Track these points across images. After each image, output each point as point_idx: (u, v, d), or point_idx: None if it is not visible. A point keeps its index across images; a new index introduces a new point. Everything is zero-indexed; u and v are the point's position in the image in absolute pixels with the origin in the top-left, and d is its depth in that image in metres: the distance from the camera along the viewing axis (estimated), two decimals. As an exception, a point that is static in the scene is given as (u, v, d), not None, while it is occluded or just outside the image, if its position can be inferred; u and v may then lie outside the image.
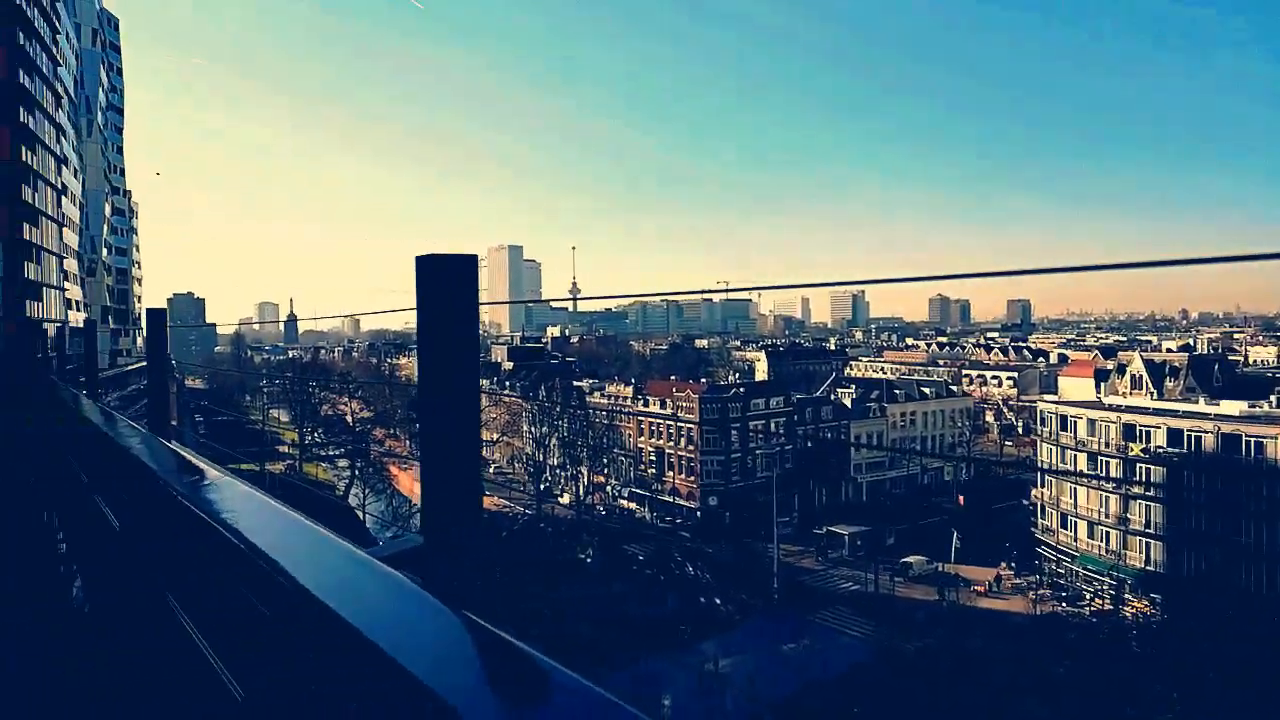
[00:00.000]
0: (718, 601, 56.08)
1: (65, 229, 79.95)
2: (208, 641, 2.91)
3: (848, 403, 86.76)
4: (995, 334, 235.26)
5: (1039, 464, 69.85)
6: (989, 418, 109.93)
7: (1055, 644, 48.06)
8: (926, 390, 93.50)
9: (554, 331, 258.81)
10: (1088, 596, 58.99)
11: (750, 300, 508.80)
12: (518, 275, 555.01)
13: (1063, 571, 62.47)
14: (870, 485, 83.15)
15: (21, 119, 63.56)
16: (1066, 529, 63.63)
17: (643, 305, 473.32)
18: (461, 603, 1.69)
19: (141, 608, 4.50)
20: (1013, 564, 63.52)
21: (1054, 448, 66.11)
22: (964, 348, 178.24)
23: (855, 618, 54.70)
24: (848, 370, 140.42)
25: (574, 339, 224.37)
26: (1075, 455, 63.63)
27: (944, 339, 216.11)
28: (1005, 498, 77.00)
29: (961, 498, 78.32)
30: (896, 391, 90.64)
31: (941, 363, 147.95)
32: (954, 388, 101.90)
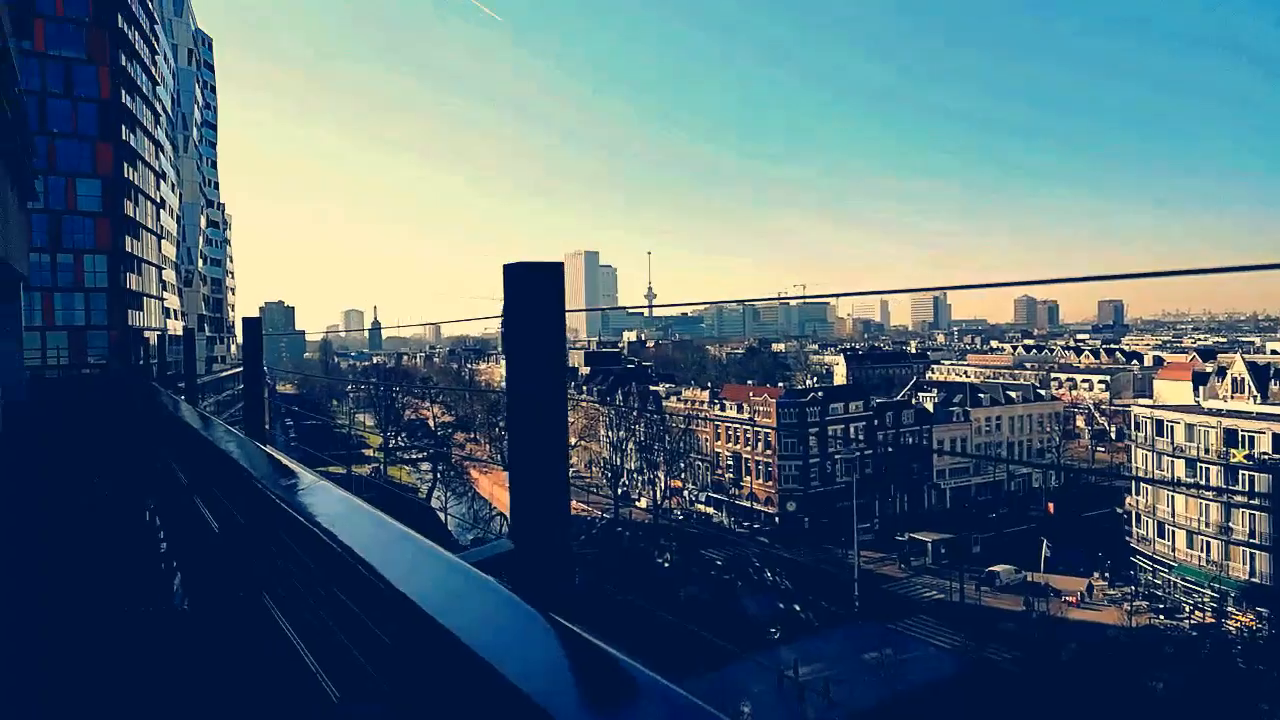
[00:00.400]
0: (797, 608, 55.42)
1: (164, 241, 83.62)
2: (304, 643, 3.00)
3: (930, 407, 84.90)
4: (1085, 336, 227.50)
5: (1133, 471, 67.17)
6: (1080, 423, 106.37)
7: (1153, 657, 46.12)
8: (1013, 394, 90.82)
9: (630, 336, 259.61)
10: (1187, 609, 56.45)
11: (828, 303, 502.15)
12: (594, 281, 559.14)
13: (1159, 582, 59.94)
14: (954, 492, 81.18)
15: (123, 136, 66.74)
16: (1163, 538, 61.06)
17: (719, 309, 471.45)
18: (551, 607, 1.71)
19: (239, 609, 4.66)
20: (1106, 574, 61.24)
21: (1149, 454, 63.51)
22: (1052, 350, 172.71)
23: (940, 627, 53.40)
24: (929, 374, 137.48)
25: (650, 343, 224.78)
26: (1172, 462, 61.06)
27: (1031, 341, 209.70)
28: (1097, 505, 74.34)
29: (1051, 505, 75.92)
30: (981, 395, 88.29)
31: (1029, 366, 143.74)
32: (1042, 392, 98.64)
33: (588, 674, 1.45)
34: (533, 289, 2.05)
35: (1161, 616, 55.30)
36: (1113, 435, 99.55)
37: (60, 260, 63.48)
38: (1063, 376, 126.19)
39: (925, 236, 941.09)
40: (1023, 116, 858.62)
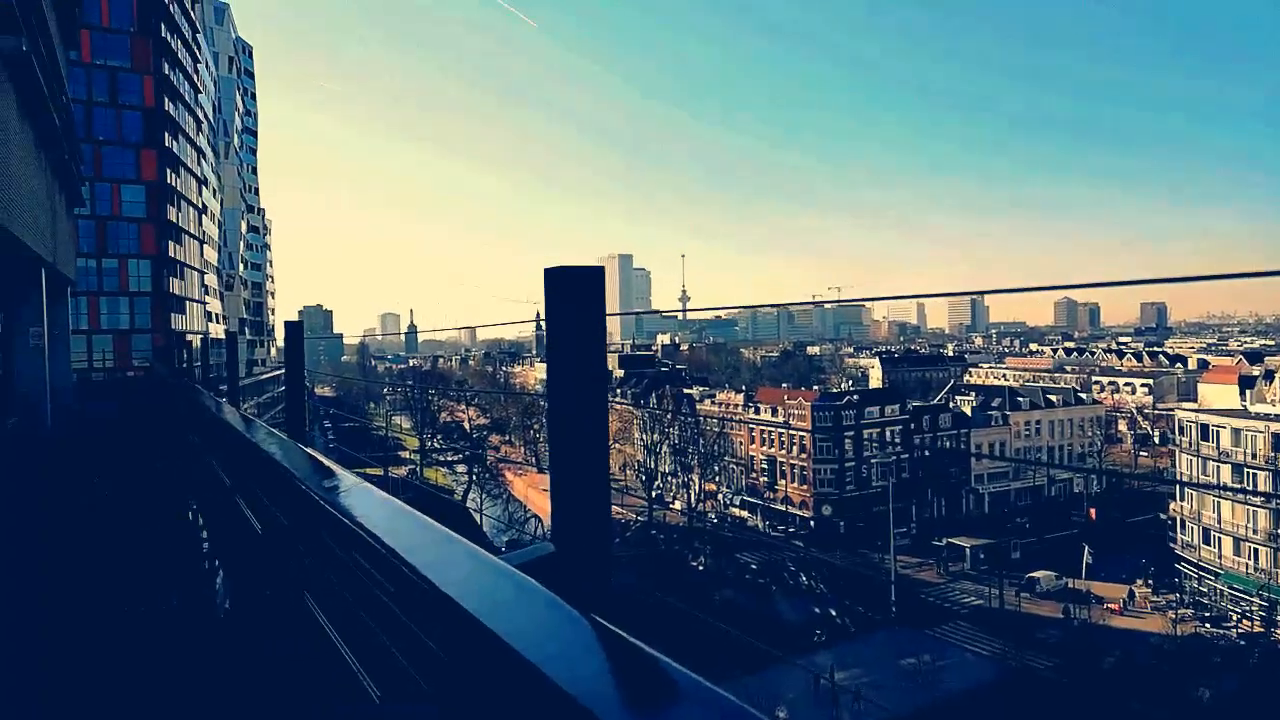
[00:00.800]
0: (833, 613, 55.02)
1: (206, 246, 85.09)
2: (346, 643, 3.03)
3: (968, 410, 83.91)
4: (1128, 339, 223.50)
5: (1178, 476, 65.86)
6: (1122, 427, 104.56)
7: (1199, 666, 45.18)
8: (1053, 398, 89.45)
9: (664, 339, 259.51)
10: (1234, 617, 55.22)
11: (863, 306, 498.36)
12: (628, 283, 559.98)
13: (1205, 590, 58.69)
14: (993, 496, 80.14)
15: (167, 143, 68.03)
16: (1210, 545, 59.78)
17: (753, 311, 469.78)
18: (592, 609, 1.72)
19: (281, 608, 4.73)
20: (1150, 581, 60.08)
21: (1194, 459, 62.22)
22: (1093, 353, 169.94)
23: (979, 634, 52.72)
24: (967, 377, 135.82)
25: (684, 346, 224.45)
26: (1218, 466, 59.77)
27: (1071, 344, 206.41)
28: (1141, 511, 73.02)
29: (1093, 511, 74.70)
30: (1020, 399, 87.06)
31: (1069, 369, 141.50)
32: (1083, 395, 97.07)
33: (631, 676, 1.46)
34: (573, 292, 2.06)
35: (1208, 625, 54.14)
36: (1156, 440, 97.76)
37: (106, 265, 64.85)
38: (1104, 380, 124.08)
39: (963, 238, 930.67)
40: (1069, 113, 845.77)
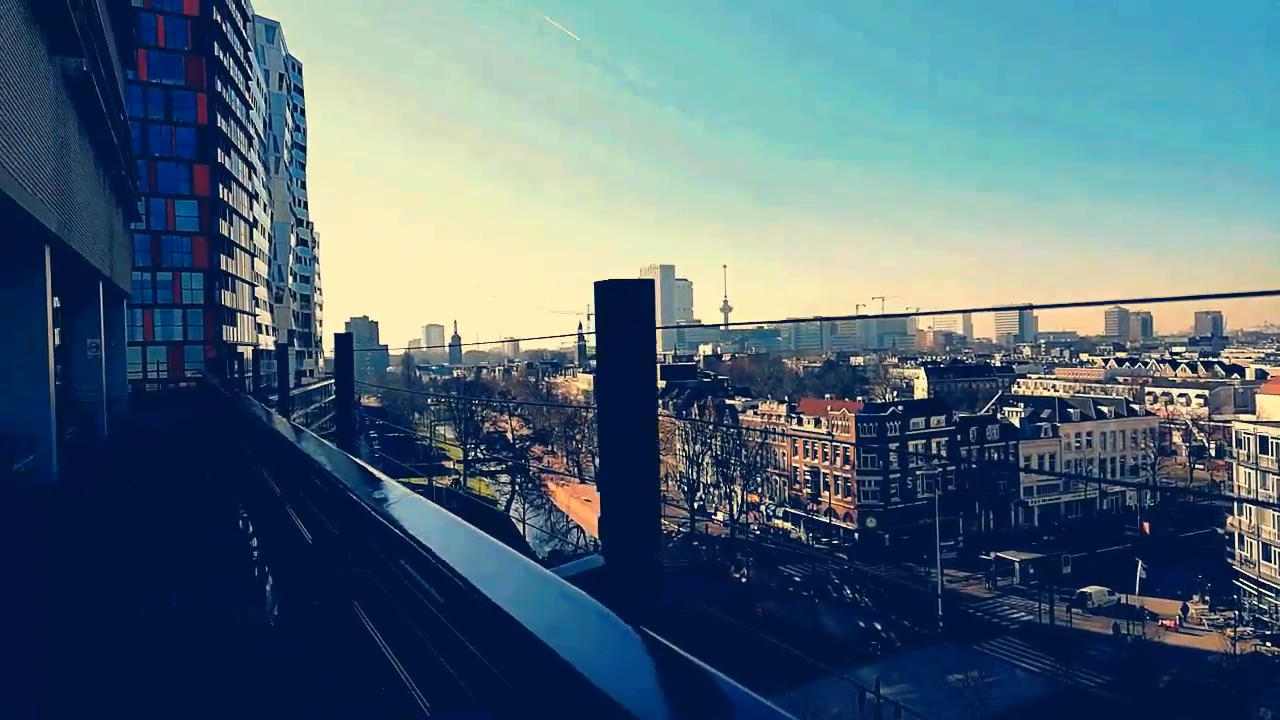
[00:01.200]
0: (878, 626, 54.31)
1: (256, 259, 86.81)
2: (395, 652, 3.06)
3: (1016, 422, 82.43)
4: (1182, 349, 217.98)
5: (1235, 489, 64.03)
6: (1176, 439, 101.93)
7: (1259, 685, 43.79)
8: (1105, 409, 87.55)
9: (706, 350, 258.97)
10: (1297, 636, 53.50)
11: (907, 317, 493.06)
12: (669, 294, 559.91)
13: (1265, 607, 56.91)
14: (1043, 510, 78.60)
15: (219, 159, 69.64)
16: (1269, 561, 57.97)
17: (795, 322, 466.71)
18: (643, 622, 1.72)
19: (330, 615, 4.79)
20: (1206, 598, 58.42)
21: (1252, 472, 60.47)
22: (1146, 364, 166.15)
23: (1029, 650, 51.62)
24: (1015, 388, 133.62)
25: (725, 357, 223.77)
26: (1277, 480, 58.04)
27: (1123, 354, 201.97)
28: (1196, 525, 71.08)
29: (1146, 525, 72.90)
30: (1070, 410, 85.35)
31: (1121, 380, 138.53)
32: (1136, 407, 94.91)
33: (683, 690, 1.46)
34: (623, 306, 2.06)
35: (1269, 644, 52.47)
36: (1212, 452, 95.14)
37: (160, 278, 66.46)
38: (1158, 391, 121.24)
39: (1007, 249, 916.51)
40: (1116, 124, 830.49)
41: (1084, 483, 78.33)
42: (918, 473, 75.55)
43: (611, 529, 2.15)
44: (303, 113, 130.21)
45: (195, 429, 21.56)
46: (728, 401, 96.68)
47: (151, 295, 65.35)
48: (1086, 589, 59.14)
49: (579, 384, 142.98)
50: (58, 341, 19.87)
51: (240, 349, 70.19)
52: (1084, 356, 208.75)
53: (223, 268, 69.85)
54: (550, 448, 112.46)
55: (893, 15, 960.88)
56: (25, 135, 12.48)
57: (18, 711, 5.81)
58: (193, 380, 53.48)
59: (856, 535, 74.27)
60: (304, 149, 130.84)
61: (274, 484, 7.81)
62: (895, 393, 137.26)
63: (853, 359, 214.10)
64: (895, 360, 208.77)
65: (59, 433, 15.93)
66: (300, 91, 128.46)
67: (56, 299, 20.05)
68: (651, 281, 2.10)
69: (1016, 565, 64.71)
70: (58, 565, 9.45)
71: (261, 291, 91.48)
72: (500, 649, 1.83)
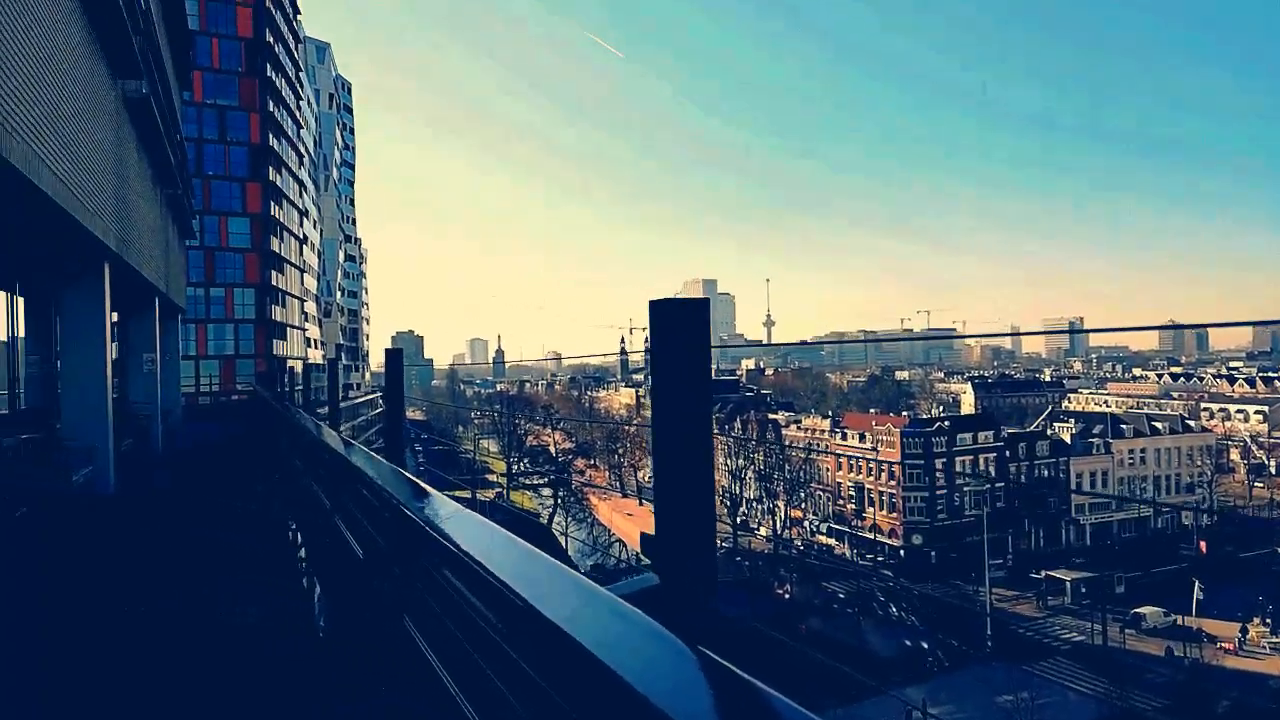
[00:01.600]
0: (924, 645, 53.45)
1: (305, 275, 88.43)
2: (445, 668, 3.07)
3: (1067, 438, 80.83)
4: (1239, 364, 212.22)
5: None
6: (1234, 456, 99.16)
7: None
8: (1159, 425, 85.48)
9: (748, 364, 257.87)
10: (1365, 662, 51.55)
11: (954, 329, 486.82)
12: (711, 309, 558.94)
13: (1332, 632, 54.99)
14: (1095, 528, 76.87)
15: (270, 177, 71.19)
16: (1335, 583, 56.08)
17: (839, 336, 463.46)
18: (699, 640, 1.71)
19: (379, 629, 4.83)
20: (1267, 620, 56.59)
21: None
22: (1202, 378, 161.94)
23: (1080, 671, 50.43)
24: (1066, 403, 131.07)
25: (768, 371, 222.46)
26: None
27: (1178, 369, 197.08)
28: (1256, 545, 68.99)
29: (1203, 544, 70.93)
30: (1123, 426, 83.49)
31: (1176, 395, 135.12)
32: (1191, 423, 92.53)
33: (739, 708, 1.45)
34: (678, 325, 2.07)
35: (1335, 669, 50.71)
36: (1272, 469, 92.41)
37: (213, 294, 68.00)
38: (1214, 407, 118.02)
39: (1057, 261, 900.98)
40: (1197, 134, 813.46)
41: (1138, 499, 76.41)
42: (965, 489, 74.38)
43: (666, 547, 2.15)
44: (352, 131, 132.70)
45: (247, 441, 21.96)
46: (771, 416, 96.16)
47: (205, 310, 66.87)
48: (1141, 609, 57.67)
49: (621, 398, 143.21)
50: (115, 355, 20.39)
51: (290, 363, 71.42)
52: (1137, 371, 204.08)
53: (273, 283, 71.25)
54: (593, 461, 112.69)
55: (938, 20, 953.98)
56: (88, 156, 12.87)
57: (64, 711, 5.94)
58: (244, 393, 54.52)
59: (902, 552, 73.26)
60: (352, 167, 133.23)
61: (324, 496, 7.91)
62: (941, 408, 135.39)
63: (898, 373, 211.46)
64: (941, 375, 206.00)
65: (116, 444, 16.32)
66: (349, 110, 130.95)
67: (114, 314, 20.60)
68: (706, 301, 2.10)
69: (1068, 584, 63.32)
70: (111, 574, 9.67)
71: (310, 306, 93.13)
72: (557, 667, 1.83)
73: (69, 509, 12.87)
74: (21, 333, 18.28)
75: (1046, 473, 77.65)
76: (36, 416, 17.78)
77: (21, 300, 18.20)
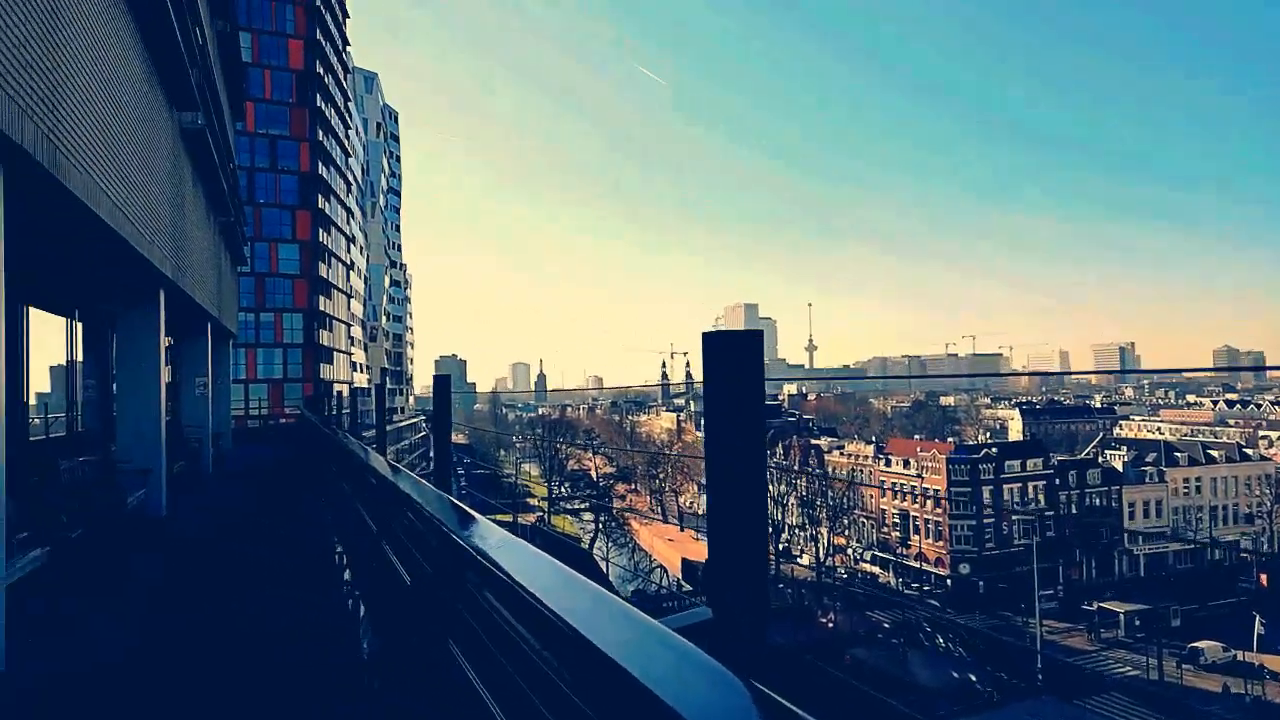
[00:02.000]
0: (972, 678, 52.27)
1: (352, 300, 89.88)
2: (494, 698, 3.07)
3: (1119, 466, 79.02)
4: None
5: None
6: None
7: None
8: (1215, 453, 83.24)
9: (790, 389, 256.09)
10: None
11: (1000, 355, 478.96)
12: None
13: (1402, 670, 52.81)
14: (1149, 558, 74.83)
15: (319, 205, 72.64)
16: (1405, 619, 53.92)
17: (883, 360, 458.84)
18: (752, 674, 1.69)
19: (425, 656, 4.84)
20: (1334, 657, 54.57)
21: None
22: (1259, 405, 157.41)
23: (1135, 706, 48.95)
24: (1117, 430, 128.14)
25: (810, 396, 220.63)
26: None
27: (1234, 396, 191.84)
28: (1320, 579, 66.76)
29: (1264, 577, 68.69)
30: (1177, 454, 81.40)
31: (1232, 423, 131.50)
32: (1249, 451, 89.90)
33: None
34: (731, 357, 2.06)
35: (1406, 709, 48.65)
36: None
37: (263, 319, 69.37)
38: (1273, 434, 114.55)
39: (1103, 283, 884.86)
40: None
41: (1194, 529, 74.24)
42: (1014, 517, 72.93)
43: (719, 580, 2.13)
44: (398, 159, 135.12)
45: (295, 464, 22.27)
46: (813, 442, 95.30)
47: (255, 334, 68.22)
48: (1199, 644, 55.91)
49: (662, 422, 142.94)
50: (168, 379, 20.83)
51: (336, 386, 72.47)
52: (1191, 398, 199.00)
53: (321, 308, 72.52)
54: (634, 486, 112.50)
55: (978, 41, 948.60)
56: (146, 185, 13.25)
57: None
58: (292, 416, 55.40)
59: (949, 581, 71.92)
60: (398, 193, 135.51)
61: (370, 520, 7.98)
62: (988, 434, 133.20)
63: (943, 399, 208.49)
64: (988, 400, 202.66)
65: (168, 467, 16.64)
66: (396, 139, 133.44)
67: (168, 338, 21.09)
68: (760, 333, 2.10)
69: (1121, 616, 61.63)
70: (163, 596, 9.83)
71: (357, 331, 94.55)
72: (607, 698, 1.82)
73: (122, 531, 13.13)
74: (80, 357, 18.78)
75: (1098, 501, 75.88)
76: (93, 439, 18.23)
77: (80, 325, 18.71)
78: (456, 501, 4.99)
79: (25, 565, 9.09)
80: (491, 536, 3.39)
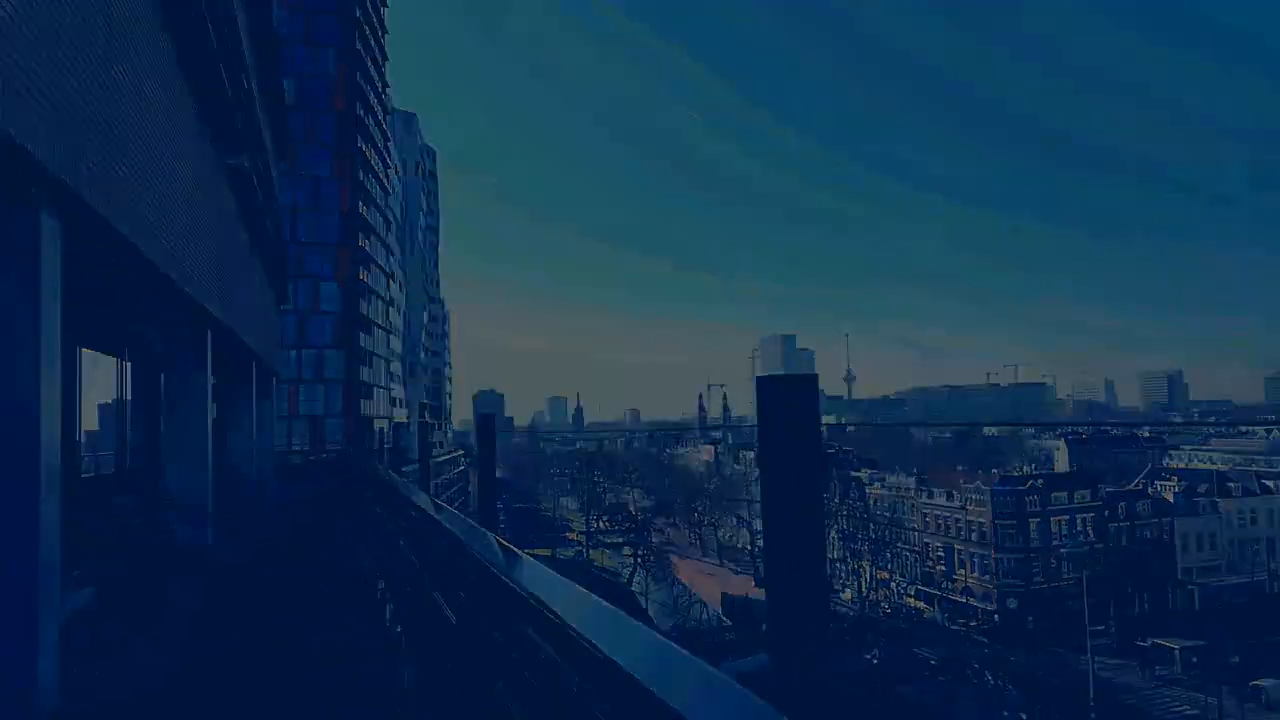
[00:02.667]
0: (1023, 717, 50.90)
1: (392, 336, 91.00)
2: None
3: (1170, 497, 77.09)
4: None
5: None
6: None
7: None
8: (1269, 484, 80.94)
9: (829, 420, 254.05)
10: None
11: (1044, 383, 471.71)
12: (791, 365, 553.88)
13: None
14: (1204, 592, 72.64)
15: (360, 243, 73.92)
16: None
17: (922, 390, 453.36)
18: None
19: (471, 697, 4.82)
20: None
21: None
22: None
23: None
24: (1167, 460, 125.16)
25: (850, 427, 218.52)
26: None
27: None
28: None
29: (1327, 611, 66.40)
30: (1230, 485, 79.27)
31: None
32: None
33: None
34: (786, 400, 2.04)
35: None
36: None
37: (304, 355, 70.44)
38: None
39: (1145, 313, 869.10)
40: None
41: (1252, 563, 72.05)
42: (1062, 551, 71.31)
43: (779, 627, 2.10)
44: (435, 196, 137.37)
45: (337, 500, 22.47)
46: (853, 474, 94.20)
47: (296, 371, 69.25)
48: (1260, 681, 54.01)
49: (700, 455, 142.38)
50: (214, 416, 21.18)
51: (376, 422, 73.19)
52: (1243, 427, 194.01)
53: (361, 345, 73.51)
54: (672, 519, 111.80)
55: (1030, 65, 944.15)
56: (194, 228, 13.58)
57: None
58: (332, 452, 55.96)
59: (996, 616, 70.36)
60: (436, 230, 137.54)
61: (413, 557, 8.02)
62: (1033, 465, 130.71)
63: (986, 429, 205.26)
64: (1032, 431, 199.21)
65: (214, 504, 16.87)
66: (434, 176, 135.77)
67: (214, 377, 21.46)
68: (814, 377, 2.08)
69: (1177, 653, 59.76)
70: (210, 631, 9.92)
71: (396, 366, 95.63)
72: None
73: (169, 565, 13.31)
74: (129, 395, 19.17)
75: (1149, 534, 74.02)
76: (141, 476, 18.56)
77: (129, 365, 19.12)
78: (500, 540, 5.00)
79: (78, 602, 9.24)
80: (540, 576, 3.38)
